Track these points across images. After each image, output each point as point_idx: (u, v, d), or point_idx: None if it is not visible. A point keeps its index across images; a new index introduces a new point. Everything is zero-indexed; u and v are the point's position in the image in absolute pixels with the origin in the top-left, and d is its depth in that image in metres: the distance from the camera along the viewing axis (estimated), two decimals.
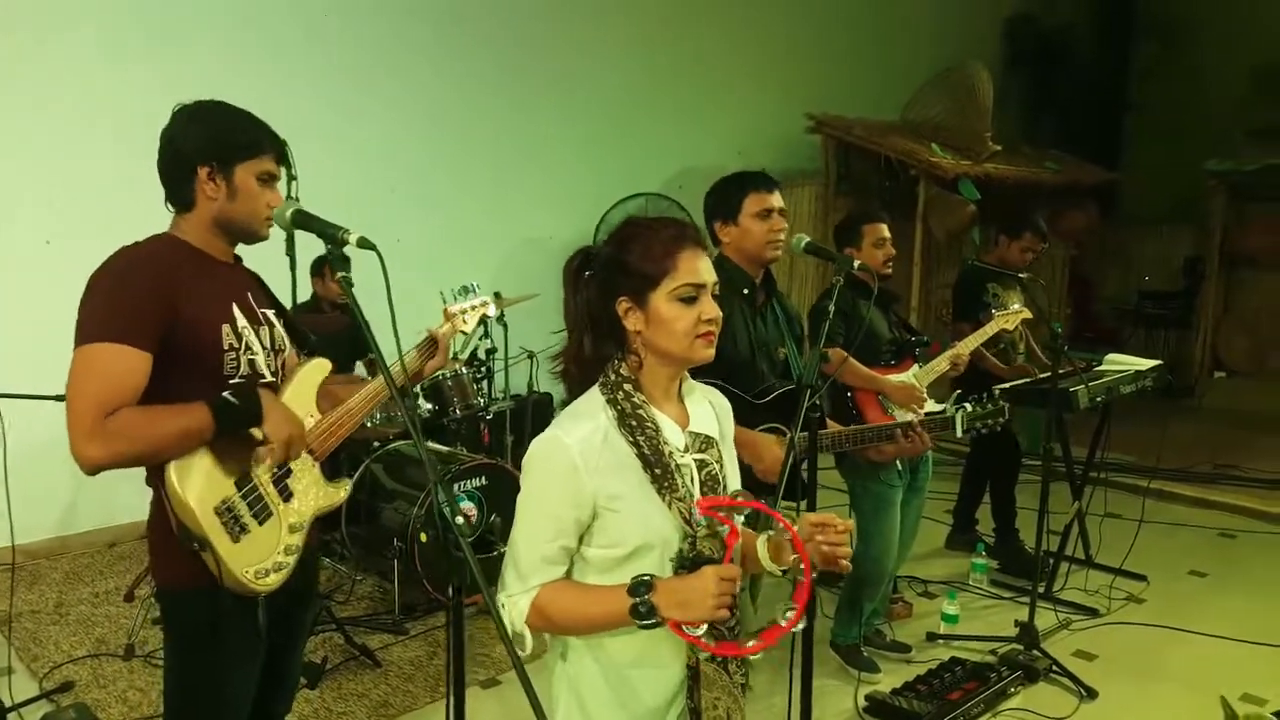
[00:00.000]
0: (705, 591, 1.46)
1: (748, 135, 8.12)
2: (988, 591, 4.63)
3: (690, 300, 1.59)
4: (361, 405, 2.17)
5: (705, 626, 1.49)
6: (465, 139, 6.47)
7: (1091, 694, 3.61)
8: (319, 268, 4.91)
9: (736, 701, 1.64)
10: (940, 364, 3.75)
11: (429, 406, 4.57)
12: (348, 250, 1.72)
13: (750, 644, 1.55)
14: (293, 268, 3.76)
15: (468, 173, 6.53)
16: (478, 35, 6.47)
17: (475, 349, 5.21)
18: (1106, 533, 4.94)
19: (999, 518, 5.01)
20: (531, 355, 5.74)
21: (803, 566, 1.54)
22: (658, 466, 1.57)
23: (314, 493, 2.10)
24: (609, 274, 1.63)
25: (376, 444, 4.53)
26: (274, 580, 1.96)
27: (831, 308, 2.32)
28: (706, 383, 2.62)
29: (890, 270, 3.80)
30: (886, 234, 3.74)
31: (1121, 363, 4.71)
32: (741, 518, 1.56)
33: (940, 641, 4.08)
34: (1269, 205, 9.01)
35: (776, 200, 2.73)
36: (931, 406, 3.53)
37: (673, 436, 1.62)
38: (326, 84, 5.74)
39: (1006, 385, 4.37)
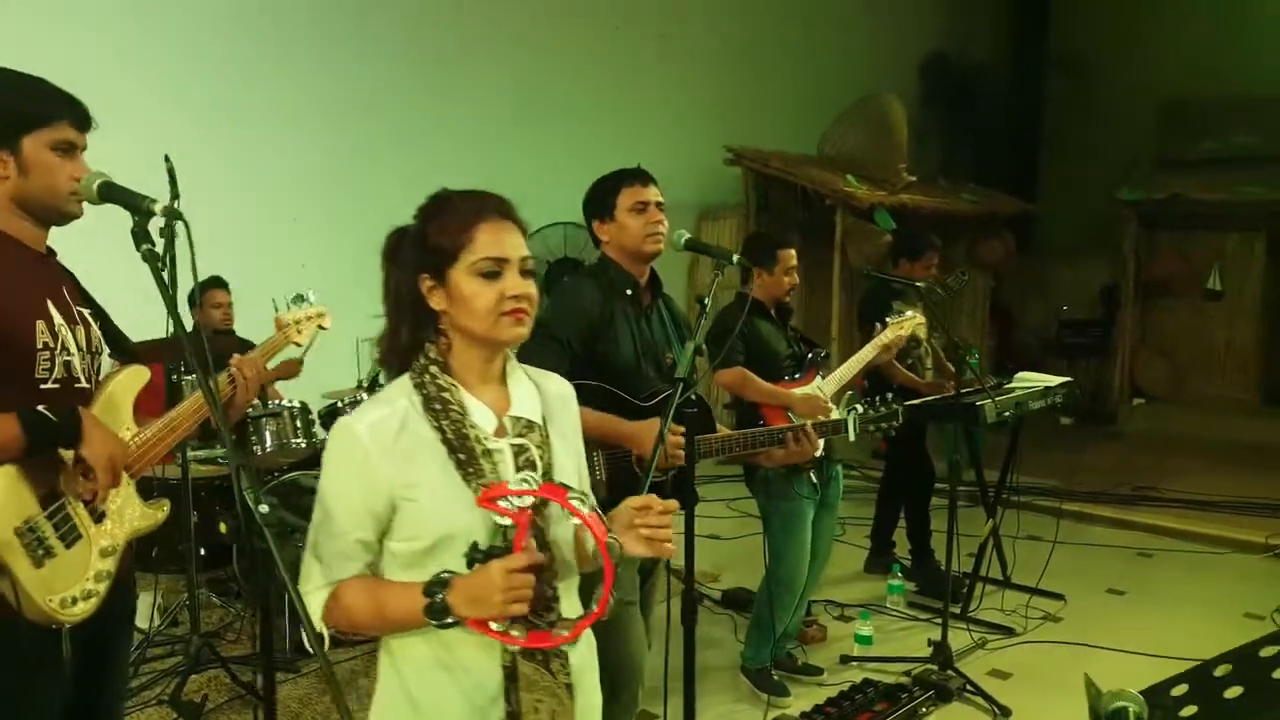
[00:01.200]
0: (492, 586, 1.38)
1: (669, 168, 8.01)
2: (904, 613, 4.55)
3: (491, 275, 1.49)
4: (186, 417, 1.97)
5: (509, 621, 1.41)
6: (371, 170, 6.33)
7: (1005, 712, 3.53)
8: (196, 296, 4.69)
9: (562, 703, 1.53)
10: (846, 372, 3.69)
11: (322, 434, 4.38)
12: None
13: (563, 634, 1.47)
14: (173, 286, 3.54)
15: (374, 202, 6.37)
16: (387, 64, 6.38)
17: (376, 374, 5.02)
18: (1025, 554, 4.91)
19: (914, 539, 4.96)
20: None
21: (602, 555, 1.44)
22: (461, 452, 1.47)
23: (129, 513, 1.91)
24: (412, 251, 1.53)
25: (271, 475, 4.31)
26: (82, 610, 1.76)
27: (709, 300, 2.22)
28: (588, 384, 2.54)
29: (790, 297, 3.79)
30: (795, 261, 3.71)
31: (1031, 380, 4.72)
32: (523, 504, 1.44)
33: (854, 664, 3.97)
34: (1178, 233, 9.26)
35: (653, 194, 2.65)
36: (838, 416, 3.45)
37: (483, 420, 1.52)
38: (223, 101, 5.59)
39: (917, 401, 4.36)
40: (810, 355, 3.66)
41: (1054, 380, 4.69)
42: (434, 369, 1.52)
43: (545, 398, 1.63)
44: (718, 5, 8.62)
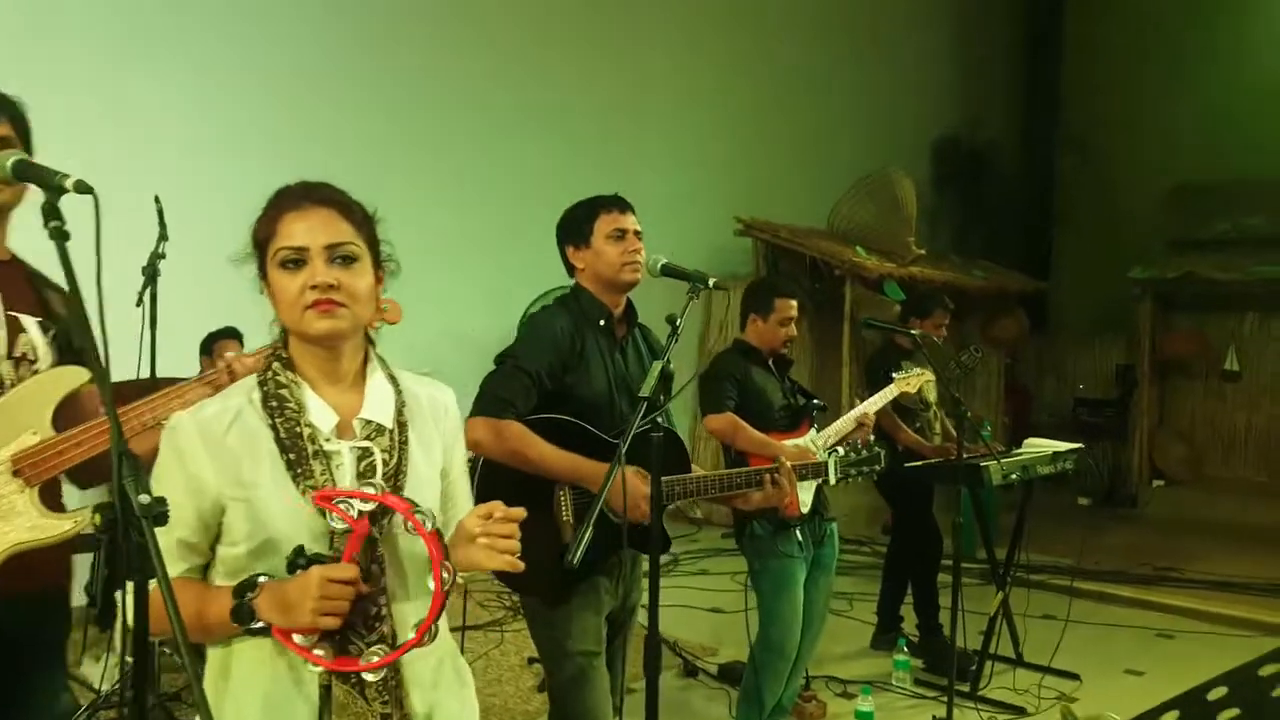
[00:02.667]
0: (305, 594, 1.27)
1: (681, 237, 8.05)
2: (911, 691, 4.31)
3: (291, 265, 1.41)
4: (101, 427, 1.79)
5: (317, 637, 1.31)
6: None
7: None
8: (208, 346, 4.65)
9: None
10: (844, 424, 3.56)
11: None
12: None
13: (374, 659, 1.35)
14: (153, 325, 3.50)
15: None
16: (395, 119, 6.45)
17: None
18: (1040, 633, 4.68)
19: (921, 613, 4.73)
20: None
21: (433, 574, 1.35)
22: (293, 451, 1.38)
23: (16, 524, 1.76)
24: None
25: None
26: None
27: (681, 321, 2.13)
28: (557, 418, 2.41)
29: (787, 349, 3.64)
30: (794, 313, 3.57)
31: (1040, 445, 4.56)
32: (364, 509, 1.34)
33: None
34: (1193, 314, 9.15)
35: (631, 222, 2.55)
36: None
37: (321, 420, 1.43)
38: (239, 145, 5.59)
39: (920, 463, 4.24)
40: (806, 405, 3.53)
41: (1063, 446, 4.53)
42: (277, 365, 1.46)
43: (412, 403, 1.53)
44: (733, 78, 8.75)
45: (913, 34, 10.46)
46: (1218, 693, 1.20)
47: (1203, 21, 9.78)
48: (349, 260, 1.42)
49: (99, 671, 3.72)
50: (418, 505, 1.35)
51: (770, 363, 3.60)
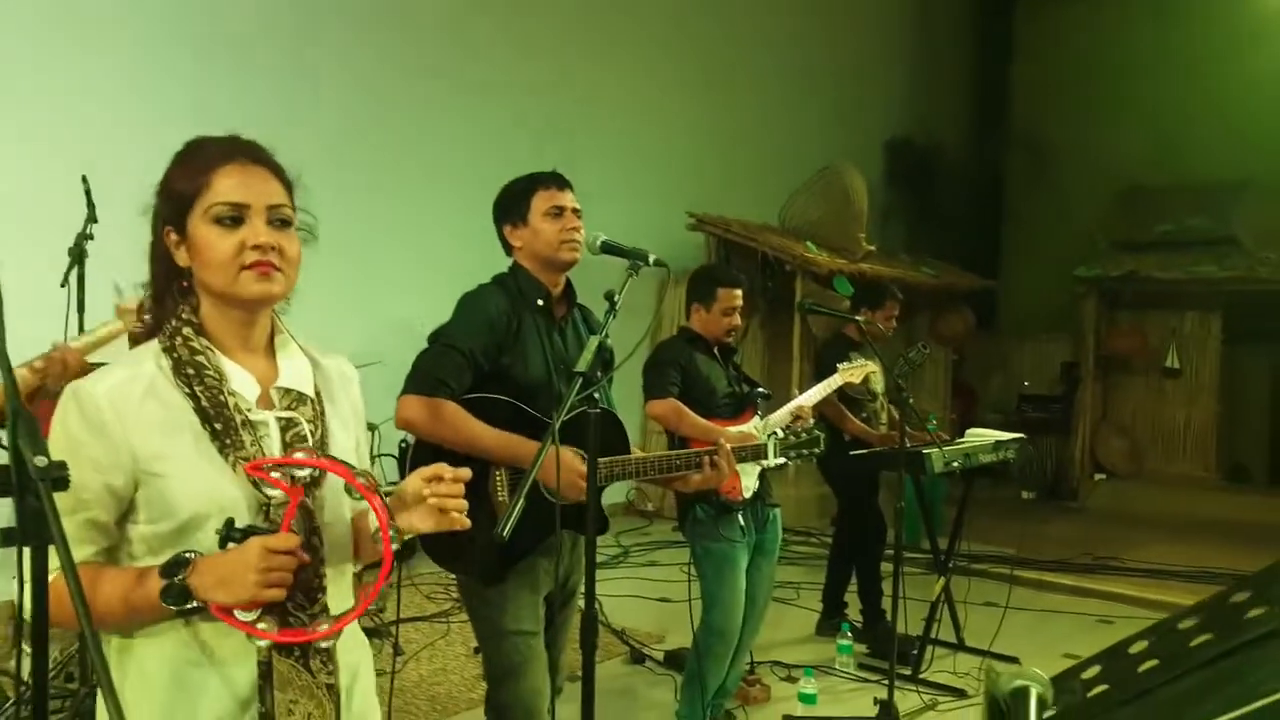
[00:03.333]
0: (246, 566, 1.22)
1: (631, 230, 8.00)
2: (853, 675, 4.35)
3: (228, 222, 1.33)
4: None
5: (260, 611, 1.26)
6: (346, 219, 6.26)
7: None
8: None
9: (321, 705, 1.36)
10: (782, 416, 3.56)
11: None
12: None
13: (323, 628, 1.32)
14: (80, 309, 3.40)
15: (328, 251, 6.28)
16: (343, 110, 6.36)
17: None
18: (981, 620, 4.74)
19: (865, 599, 4.79)
20: (373, 428, 5.37)
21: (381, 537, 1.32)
22: (218, 421, 1.32)
23: None
24: (158, 200, 1.39)
25: None
26: None
27: (619, 297, 2.10)
28: (494, 399, 2.37)
29: (731, 339, 3.62)
30: (739, 302, 3.56)
31: (983, 435, 4.63)
32: (301, 475, 1.31)
33: None
34: (1136, 311, 9.35)
35: (569, 199, 2.51)
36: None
37: (244, 388, 1.37)
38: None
39: (864, 452, 4.27)
40: (750, 393, 3.53)
41: (1005, 436, 4.60)
42: (187, 330, 1.36)
43: (324, 374, 1.49)
44: (687, 74, 8.74)
45: (865, 35, 10.57)
46: (1139, 646, 1.21)
47: (1152, 26, 9.98)
48: (285, 224, 1.38)
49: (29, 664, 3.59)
50: (355, 467, 1.32)
51: (715, 350, 3.59)
